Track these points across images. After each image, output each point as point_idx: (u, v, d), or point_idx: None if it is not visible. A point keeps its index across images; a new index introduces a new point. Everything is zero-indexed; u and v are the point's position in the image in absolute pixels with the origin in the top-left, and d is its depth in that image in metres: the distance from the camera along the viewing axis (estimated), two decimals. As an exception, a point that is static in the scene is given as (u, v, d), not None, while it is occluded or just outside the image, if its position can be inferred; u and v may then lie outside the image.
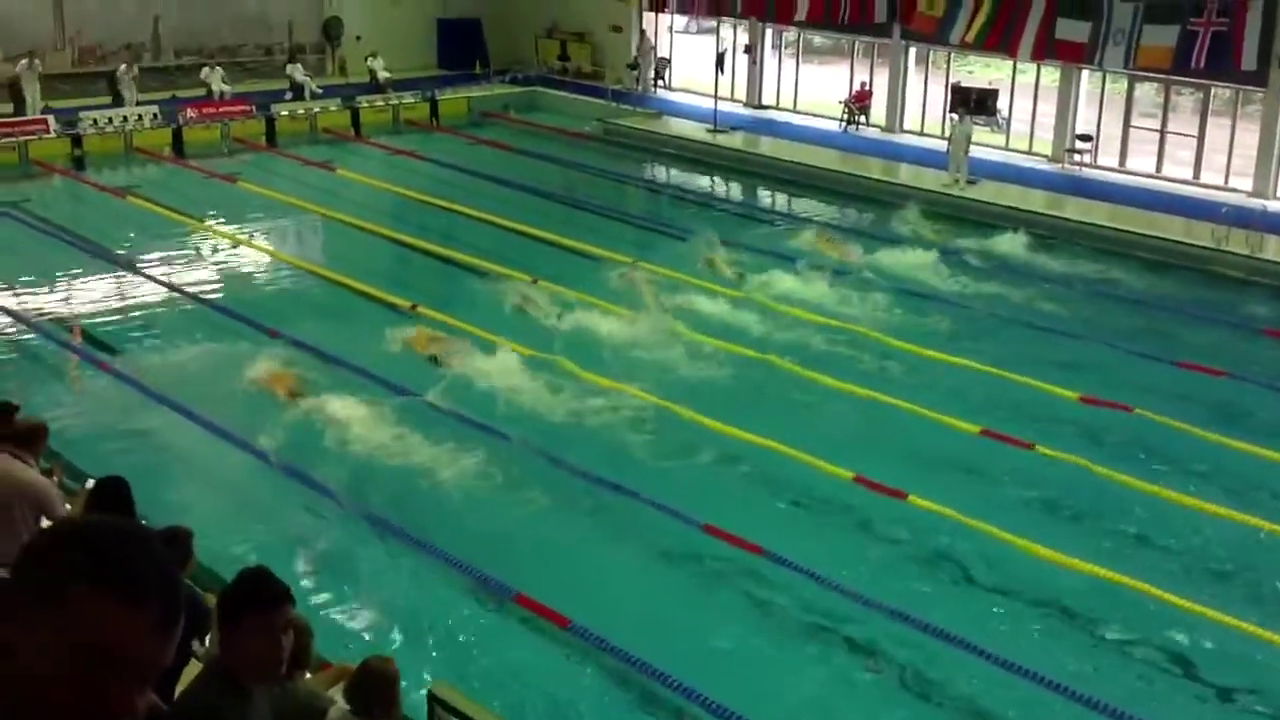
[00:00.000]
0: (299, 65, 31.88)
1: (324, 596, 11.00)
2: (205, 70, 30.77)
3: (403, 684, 6.77)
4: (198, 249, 21.69)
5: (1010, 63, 28.21)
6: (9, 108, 28.04)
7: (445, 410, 14.51)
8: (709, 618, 11.05)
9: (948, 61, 30.13)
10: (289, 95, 31.32)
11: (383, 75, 32.70)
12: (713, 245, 20.35)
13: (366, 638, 10.24)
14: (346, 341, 16.73)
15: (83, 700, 1.70)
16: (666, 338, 17.10)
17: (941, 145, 26.97)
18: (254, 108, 29.88)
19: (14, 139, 26.67)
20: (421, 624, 10.70)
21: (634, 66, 34.42)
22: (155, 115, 28.56)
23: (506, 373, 15.57)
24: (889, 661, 10.38)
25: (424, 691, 8.02)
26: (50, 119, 27.44)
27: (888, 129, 30.31)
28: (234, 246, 21.72)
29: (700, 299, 18.79)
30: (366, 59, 33.14)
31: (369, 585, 11.24)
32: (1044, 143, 28.00)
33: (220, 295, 18.96)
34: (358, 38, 34.22)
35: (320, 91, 31.53)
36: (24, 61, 27.98)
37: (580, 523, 12.64)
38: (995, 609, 11.29)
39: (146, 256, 20.79)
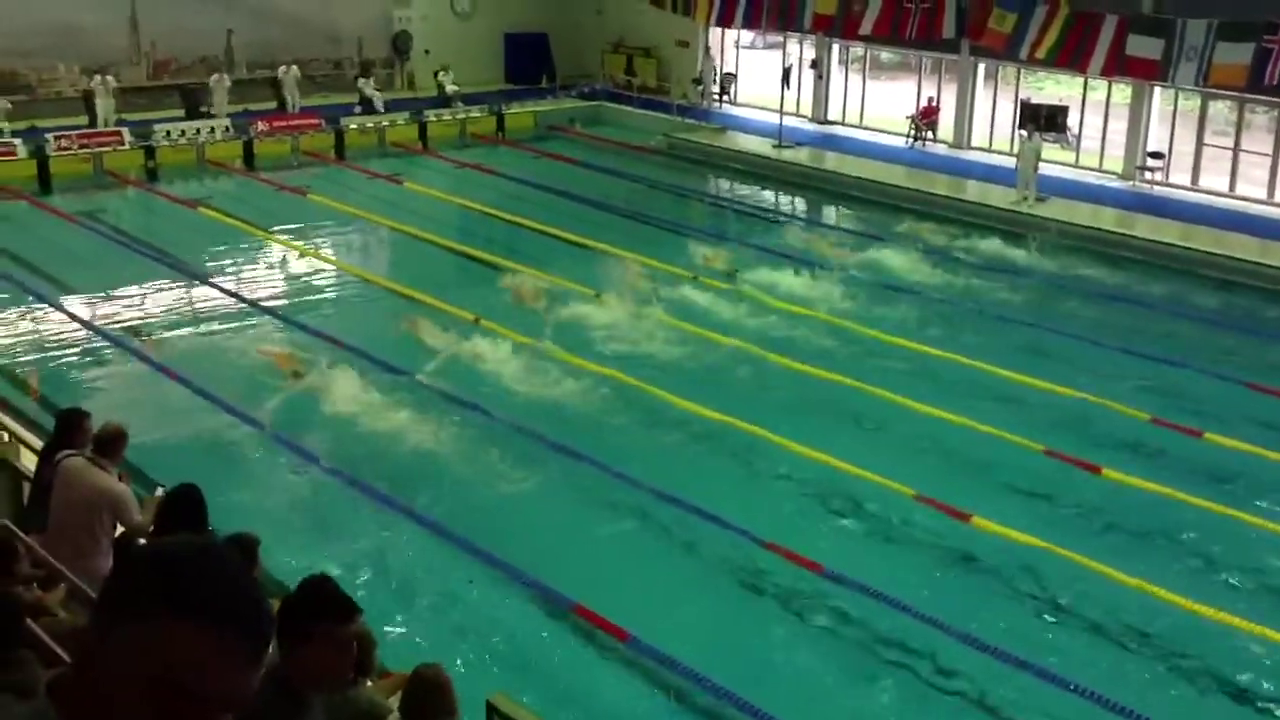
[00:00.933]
0: (369, 80, 32.18)
1: (385, 606, 11.05)
2: (282, 69, 31.13)
3: (460, 695, 6.77)
4: (266, 260, 21.96)
5: (1081, 79, 27.92)
6: (84, 119, 28.57)
7: (524, 428, 14.53)
8: (769, 635, 10.96)
9: (1017, 77, 29.85)
10: (358, 109, 31.66)
11: (451, 89, 32.97)
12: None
13: (424, 645, 10.27)
14: (410, 354, 16.86)
15: None
16: (728, 351, 17.09)
17: (1010, 162, 26.72)
18: (324, 121, 30.23)
19: (89, 150, 27.17)
20: (481, 634, 10.72)
21: (699, 81, 34.45)
22: (227, 128, 28.98)
23: (573, 391, 15.65)
24: (955, 684, 10.24)
25: (482, 702, 8.02)
26: (124, 131, 27.93)
27: (955, 145, 30.09)
28: (300, 257, 21.97)
29: (764, 315, 18.76)
30: (436, 73, 33.42)
31: (429, 594, 11.27)
32: (1115, 160, 27.65)
33: (285, 304, 19.14)
34: (426, 52, 34.54)
35: (381, 109, 31.78)
36: (98, 77, 28.49)
37: (638, 534, 12.61)
38: (1061, 631, 11.12)
39: (215, 266, 21.07)
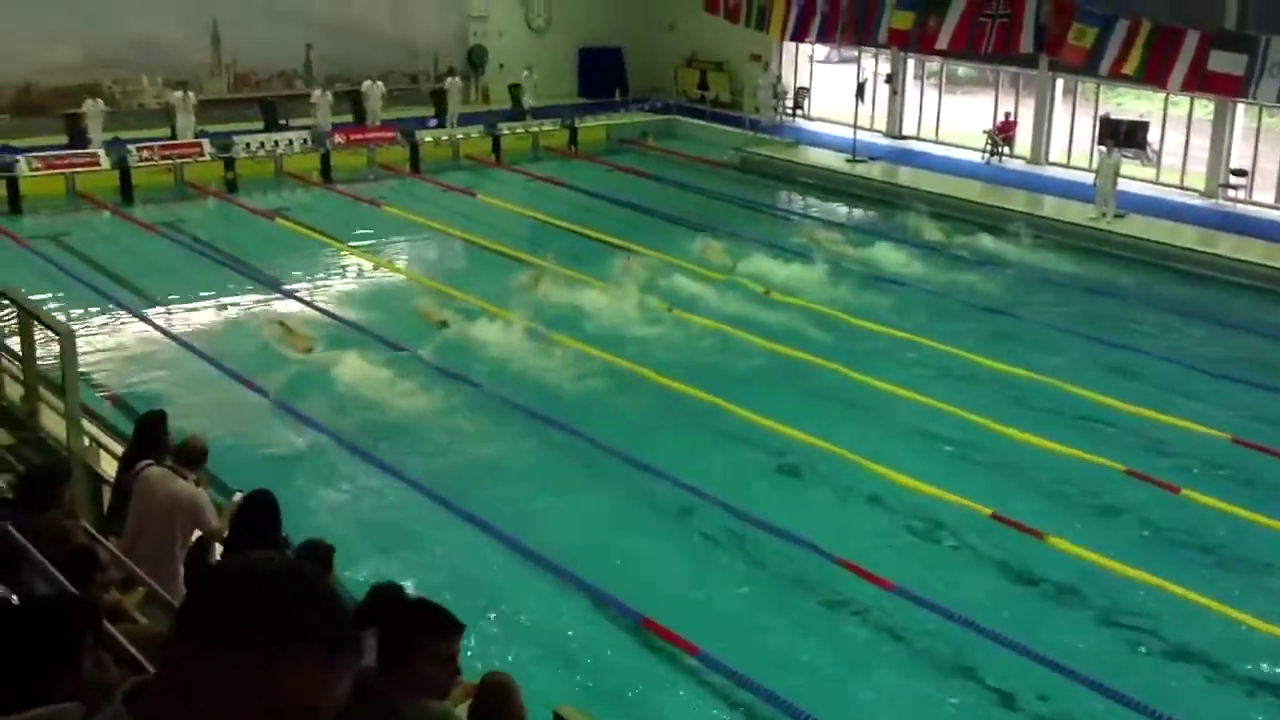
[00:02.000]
0: (453, 91, 32.30)
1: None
2: (366, 84, 31.46)
3: (527, 708, 6.75)
4: (340, 270, 22.16)
5: (1162, 95, 27.50)
6: (167, 131, 29.07)
7: (606, 447, 14.52)
8: (841, 653, 10.86)
9: (1096, 92, 29.46)
10: (433, 122, 31.93)
11: (528, 102, 33.11)
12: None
13: (493, 654, 10.28)
14: (475, 362, 17.00)
15: None
16: (782, 366, 17.05)
17: (1088, 178, 26.36)
18: (399, 134, 30.52)
19: (171, 161, 27.64)
20: (549, 646, 10.71)
21: (774, 96, 34.36)
22: (305, 140, 29.35)
23: (643, 409, 15.70)
24: (1029, 705, 10.08)
25: (549, 714, 8.00)
26: (205, 143, 28.37)
27: (1032, 160, 29.74)
28: (374, 268, 22.15)
29: (836, 333, 18.68)
30: (514, 86, 33.49)
31: (498, 606, 11.29)
32: (1196, 177, 27.16)
33: (359, 315, 19.30)
34: (500, 66, 34.77)
35: (435, 126, 31.90)
36: (179, 91, 28.97)
37: (707, 548, 12.56)
38: (1139, 653, 10.91)
39: (290, 276, 21.31)
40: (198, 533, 8.74)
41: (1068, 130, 29.69)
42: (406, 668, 4.07)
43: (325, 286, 21.14)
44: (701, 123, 33.72)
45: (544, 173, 29.46)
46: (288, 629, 1.65)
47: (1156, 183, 27.60)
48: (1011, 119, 30.31)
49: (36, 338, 12.25)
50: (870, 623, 11.25)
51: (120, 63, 30.70)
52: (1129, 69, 25.79)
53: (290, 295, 20.28)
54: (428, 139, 30.67)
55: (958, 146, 31.11)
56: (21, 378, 12.40)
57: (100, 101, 28.40)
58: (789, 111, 34.75)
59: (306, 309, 19.66)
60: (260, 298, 20.27)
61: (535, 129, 32.25)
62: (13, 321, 13.11)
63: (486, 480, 13.80)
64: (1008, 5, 28.06)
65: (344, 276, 21.96)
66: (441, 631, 4.26)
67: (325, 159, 29.03)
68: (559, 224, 24.60)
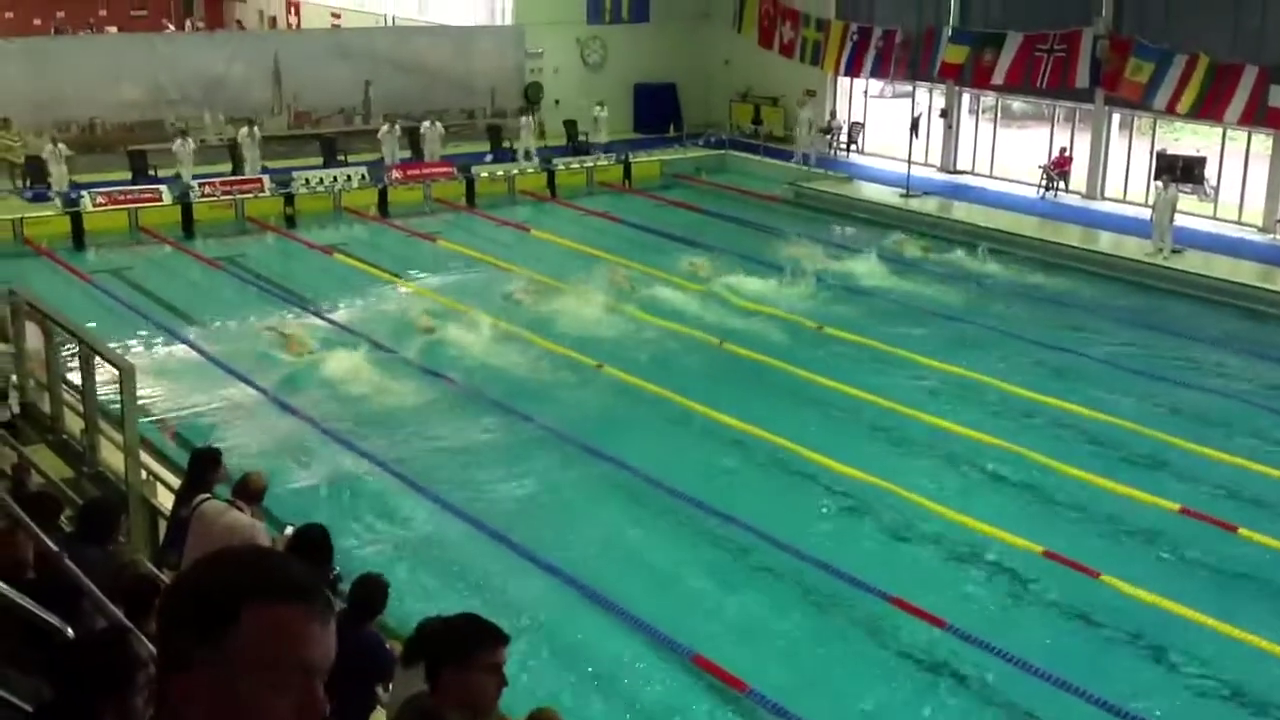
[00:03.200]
0: (526, 128, 32.56)
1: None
2: (426, 125, 31.83)
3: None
4: (395, 304, 22.30)
5: (1219, 130, 27.26)
6: (228, 166, 29.55)
7: (683, 496, 14.59)
8: (892, 692, 10.81)
9: (1153, 127, 29.23)
10: (489, 158, 32.23)
11: (601, 138, 33.28)
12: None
13: (538, 687, 10.31)
14: (533, 396, 17.11)
15: (300, 711, 1.77)
16: (852, 408, 17.02)
17: (1145, 213, 26.15)
18: (455, 169, 30.83)
19: (231, 197, 28.09)
20: (597, 680, 10.73)
21: (827, 131, 34.40)
22: (363, 176, 29.72)
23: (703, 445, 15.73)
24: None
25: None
26: (265, 178, 28.81)
27: (1088, 195, 29.54)
28: (430, 302, 22.28)
29: (894, 369, 18.66)
30: (595, 111, 33.75)
31: (547, 637, 11.33)
32: (1255, 213, 26.85)
33: (412, 349, 19.47)
34: (556, 102, 35.06)
35: (491, 161, 32.24)
36: (245, 128, 29.47)
37: (760, 582, 12.56)
38: (1197, 696, 10.77)
39: (345, 309, 21.52)
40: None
41: (1124, 165, 29.47)
42: (457, 679, 4.19)
43: (376, 318, 21.24)
44: (755, 157, 33.78)
45: (598, 207, 29.62)
46: (253, 589, 1.75)
47: (1214, 218, 27.30)
48: (1067, 154, 30.13)
49: (97, 372, 12.49)
50: (921, 660, 11.19)
51: (184, 100, 31.31)
52: (1186, 104, 25.60)
53: (344, 328, 20.49)
54: (484, 174, 30.95)
55: (1013, 181, 30.95)
56: (82, 411, 12.63)
57: (190, 142, 28.91)
58: (843, 146, 34.75)
59: (357, 339, 19.87)
60: (312, 328, 20.43)
61: (590, 164, 32.46)
62: (75, 355, 13.34)
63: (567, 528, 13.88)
64: (1063, 40, 27.97)
65: (395, 308, 22.04)
66: (489, 640, 4.37)
67: (383, 194, 29.37)
68: (612, 259, 24.69)
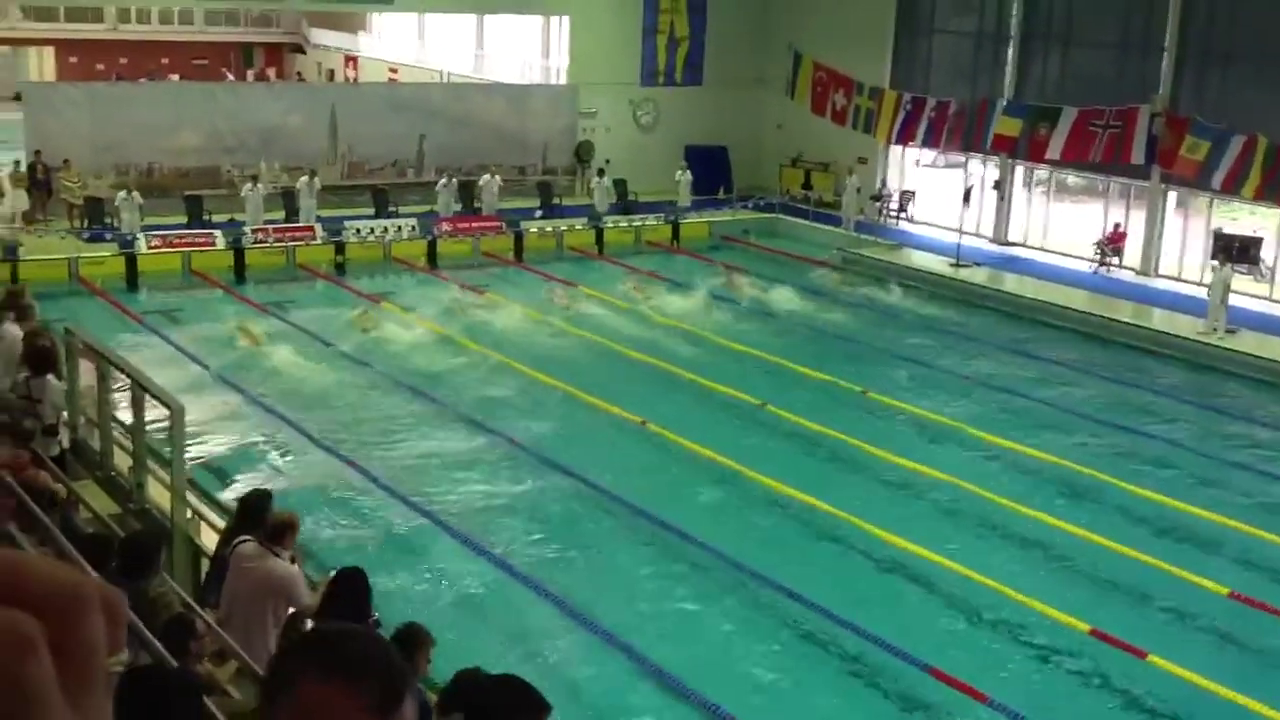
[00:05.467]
0: (599, 189, 32.77)
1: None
2: (485, 178, 32.06)
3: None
4: (438, 354, 22.31)
5: (1277, 210, 27.02)
6: (281, 214, 29.85)
7: (761, 576, 14.47)
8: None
9: (1209, 206, 29.03)
10: (539, 214, 32.41)
11: (682, 199, 33.49)
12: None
13: None
14: (581, 454, 17.06)
15: None
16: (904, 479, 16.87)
17: (1199, 291, 25.91)
18: (504, 224, 31.00)
19: (284, 245, 28.35)
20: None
21: (877, 198, 34.40)
22: (413, 227, 29.93)
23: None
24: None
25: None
26: (317, 227, 29.07)
27: (1142, 272, 29.31)
28: (478, 354, 22.28)
29: (950, 442, 18.51)
30: (677, 175, 33.97)
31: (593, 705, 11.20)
32: (1311, 295, 26.56)
33: (450, 397, 19.50)
34: (607, 161, 35.25)
35: (540, 217, 32.37)
36: (304, 179, 29.79)
37: (798, 646, 12.38)
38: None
39: (385, 358, 21.59)
40: (291, 609, 8.80)
41: (1179, 242, 29.24)
42: None
43: (418, 368, 21.27)
44: (804, 222, 33.78)
45: (645, 266, 29.64)
46: (314, 663, 1.71)
47: (1269, 299, 27.00)
48: (1122, 229, 29.95)
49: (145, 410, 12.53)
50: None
51: (241, 148, 31.74)
52: (1248, 188, 25.42)
53: (378, 371, 20.58)
54: (532, 229, 31.12)
55: (1065, 255, 30.75)
56: (131, 449, 12.67)
57: (260, 188, 29.27)
58: (893, 214, 34.72)
59: (396, 386, 19.99)
60: (360, 378, 20.52)
61: (638, 223, 32.56)
62: (126, 393, 13.40)
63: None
64: (1119, 116, 27.91)
65: (438, 358, 22.05)
66: (529, 710, 4.25)
67: (432, 245, 29.56)
68: (657, 318, 24.67)
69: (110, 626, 1.00)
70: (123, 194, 27.93)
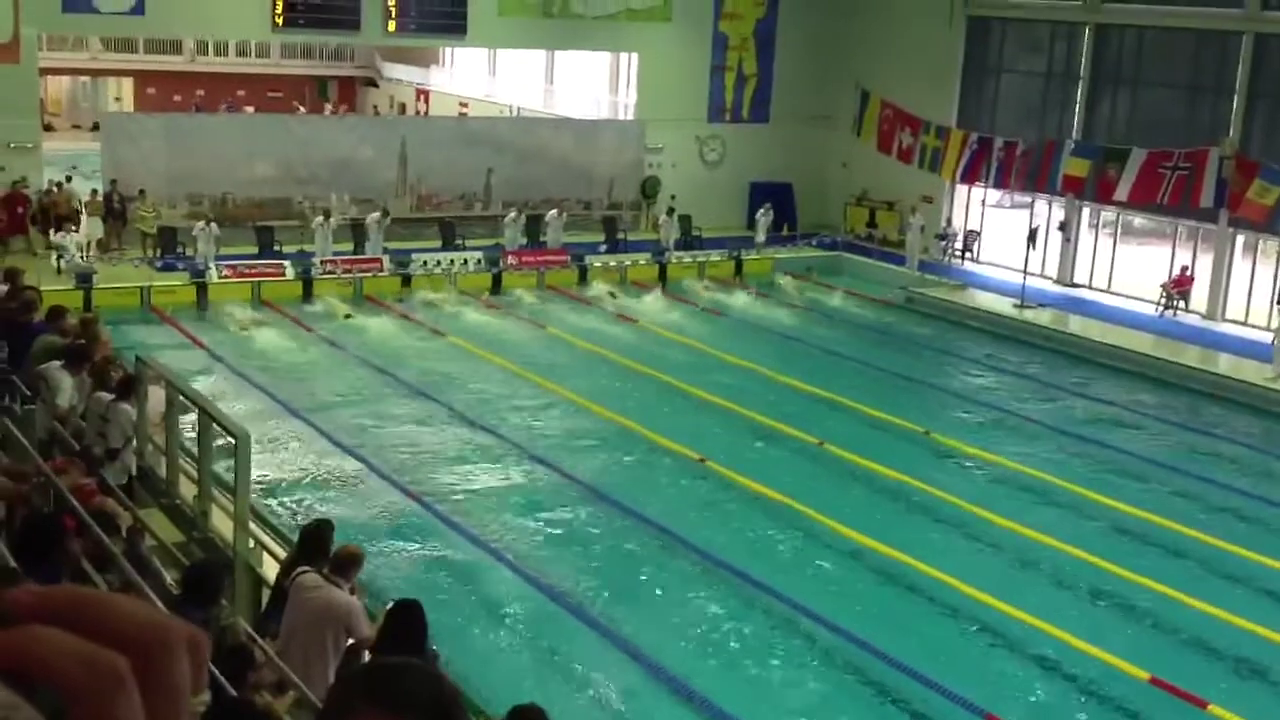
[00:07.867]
0: (665, 226, 32.98)
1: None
2: (552, 214, 32.37)
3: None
4: (495, 385, 22.50)
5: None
6: (350, 246, 30.28)
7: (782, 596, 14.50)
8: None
9: (1278, 250, 28.64)
10: (604, 248, 32.62)
11: (760, 237, 33.62)
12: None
13: None
14: (643, 490, 17.17)
15: None
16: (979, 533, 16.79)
17: (1266, 337, 25.57)
18: (570, 258, 31.25)
19: (351, 276, 28.76)
20: None
21: (942, 237, 34.29)
22: (479, 260, 30.25)
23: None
24: None
25: None
26: (384, 258, 29.47)
27: (1209, 316, 28.95)
28: (535, 386, 22.44)
29: (1005, 485, 18.40)
30: (758, 214, 34.15)
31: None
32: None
33: (513, 432, 19.67)
34: (673, 196, 35.43)
35: (605, 252, 32.53)
36: (375, 215, 30.18)
37: (842, 684, 12.37)
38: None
39: (443, 388, 21.84)
40: (351, 640, 8.92)
41: (1247, 287, 28.88)
42: None
43: (473, 400, 21.48)
44: (869, 260, 33.73)
45: (707, 303, 29.73)
46: (365, 693, 1.70)
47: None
48: (1189, 273, 29.63)
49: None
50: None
51: (313, 179, 32.24)
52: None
53: (449, 409, 20.79)
54: (596, 264, 31.33)
55: (1131, 298, 30.47)
56: (196, 477, 12.91)
57: (332, 221, 29.78)
58: (958, 254, 34.57)
59: (453, 417, 20.21)
60: (420, 410, 20.74)
61: (702, 259, 32.66)
62: (193, 422, 13.67)
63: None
64: (1188, 158, 27.68)
65: (494, 390, 22.24)
66: None
67: (497, 278, 29.84)
68: (718, 354, 24.71)
69: (194, 668, 1.02)
70: (200, 224, 28.46)
